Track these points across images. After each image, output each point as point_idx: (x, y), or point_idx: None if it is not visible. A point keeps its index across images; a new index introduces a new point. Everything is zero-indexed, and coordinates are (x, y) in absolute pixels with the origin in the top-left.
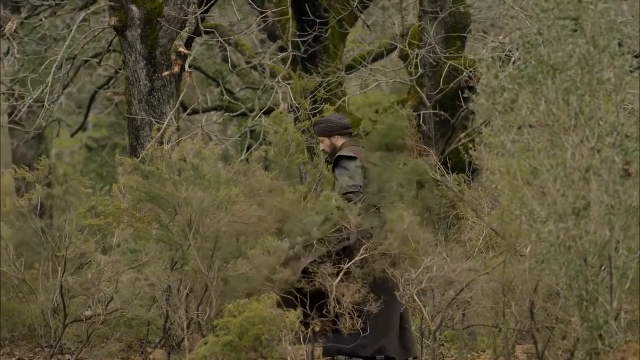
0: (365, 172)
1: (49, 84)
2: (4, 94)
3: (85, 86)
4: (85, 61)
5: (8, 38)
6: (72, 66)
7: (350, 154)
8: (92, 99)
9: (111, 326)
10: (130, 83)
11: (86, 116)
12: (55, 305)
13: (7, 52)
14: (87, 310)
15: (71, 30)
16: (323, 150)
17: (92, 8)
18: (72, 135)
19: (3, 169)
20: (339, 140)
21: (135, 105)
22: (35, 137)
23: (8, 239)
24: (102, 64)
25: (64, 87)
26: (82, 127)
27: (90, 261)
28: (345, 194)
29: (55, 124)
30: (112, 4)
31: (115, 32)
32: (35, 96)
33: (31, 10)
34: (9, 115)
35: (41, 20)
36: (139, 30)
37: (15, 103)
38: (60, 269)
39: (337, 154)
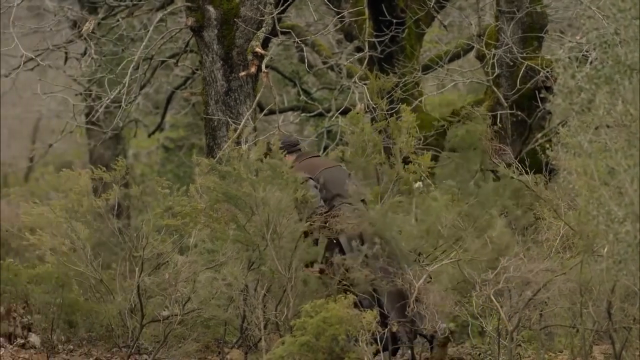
0: (326, 184)
1: (126, 85)
2: (81, 94)
3: (163, 87)
4: (163, 62)
5: (85, 39)
6: (149, 67)
7: (304, 175)
8: (169, 100)
9: (188, 326)
10: (207, 83)
11: (163, 116)
12: (133, 305)
13: (85, 53)
14: (164, 310)
15: (148, 30)
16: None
17: (169, 8)
18: (149, 136)
19: (80, 169)
20: (290, 158)
21: (212, 105)
22: (113, 138)
23: (86, 240)
24: (179, 64)
25: (141, 88)
26: (160, 128)
27: (167, 261)
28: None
29: (132, 124)
30: (189, 4)
31: (192, 33)
32: (112, 97)
33: (108, 10)
34: (87, 115)
35: (118, 20)
36: (216, 31)
37: (92, 104)
38: (137, 269)
39: None
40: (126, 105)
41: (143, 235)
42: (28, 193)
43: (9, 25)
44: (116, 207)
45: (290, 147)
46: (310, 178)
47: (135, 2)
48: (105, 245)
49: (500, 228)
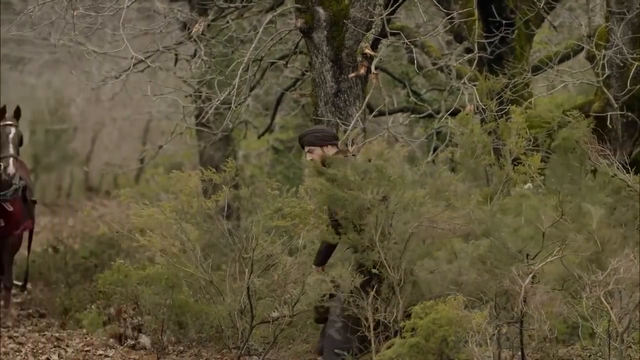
0: None
1: (236, 86)
2: (191, 95)
3: (272, 88)
4: (272, 63)
5: (195, 40)
6: (258, 68)
7: None
8: (278, 101)
9: (297, 327)
10: (317, 85)
11: (273, 118)
12: (243, 306)
13: (195, 55)
14: (274, 311)
15: (258, 32)
16: (311, 160)
17: (278, 10)
18: (259, 137)
19: (190, 170)
20: (331, 151)
21: (322, 107)
22: (223, 139)
23: (195, 241)
24: (288, 65)
25: (251, 89)
26: (269, 129)
27: (276, 263)
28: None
29: (242, 125)
30: (299, 6)
31: (301, 34)
32: (222, 98)
33: (218, 12)
34: (196, 117)
35: (228, 22)
36: (325, 32)
37: (202, 105)
38: (247, 270)
39: None
40: (236, 107)
41: (252, 236)
42: (138, 194)
43: (119, 27)
44: (226, 209)
45: (332, 139)
46: None
47: (245, 4)
48: (215, 246)
49: (600, 221)
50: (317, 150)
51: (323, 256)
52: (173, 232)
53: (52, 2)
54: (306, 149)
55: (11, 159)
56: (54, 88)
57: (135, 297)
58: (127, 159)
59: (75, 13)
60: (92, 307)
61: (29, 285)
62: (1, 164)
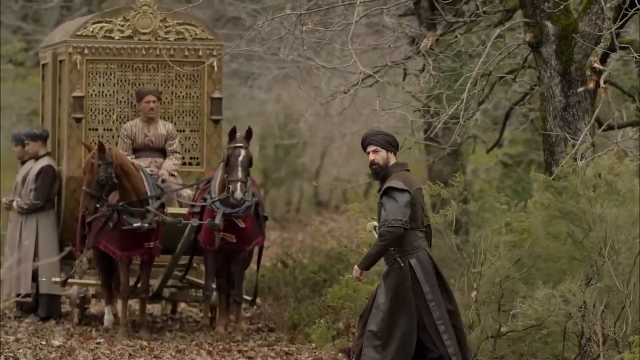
0: (415, 204)
1: (464, 101)
2: (419, 110)
3: (501, 102)
4: (500, 77)
5: (424, 55)
6: (487, 82)
7: (402, 186)
8: (507, 115)
9: (526, 343)
10: (545, 99)
11: (502, 133)
12: (471, 320)
13: (423, 69)
14: (502, 326)
15: (486, 46)
16: (373, 161)
17: (507, 24)
18: (487, 152)
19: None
20: (392, 159)
21: (550, 121)
22: (451, 154)
23: None
24: (517, 80)
25: (479, 104)
26: (498, 144)
27: (503, 277)
28: (388, 227)
29: (470, 140)
30: (528, 20)
31: (530, 48)
32: (450, 113)
33: (447, 27)
34: (425, 132)
35: (457, 36)
36: (554, 47)
37: (430, 120)
38: (475, 284)
39: (387, 184)
40: (464, 122)
41: (481, 251)
42: (367, 209)
43: (348, 42)
44: (454, 223)
45: (396, 147)
46: (408, 192)
47: (473, 19)
48: (443, 261)
49: None
50: (382, 153)
51: (371, 262)
52: None
53: (281, 17)
54: (372, 148)
55: (239, 184)
56: (283, 103)
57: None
58: (355, 174)
59: (304, 28)
60: (321, 321)
61: (258, 300)
62: (230, 186)
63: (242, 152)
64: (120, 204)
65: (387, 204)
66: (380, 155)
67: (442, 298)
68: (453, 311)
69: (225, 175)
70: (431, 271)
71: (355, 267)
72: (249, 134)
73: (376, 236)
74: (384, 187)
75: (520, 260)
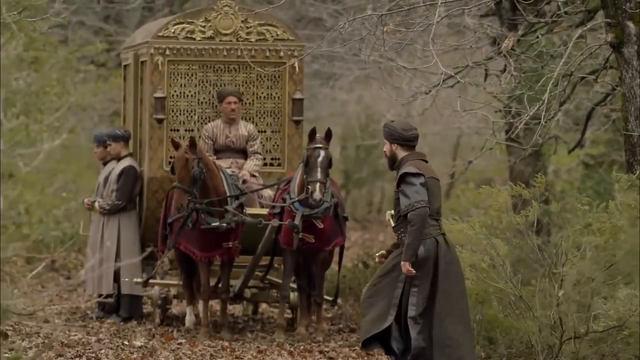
0: (429, 190)
1: (545, 101)
2: (500, 111)
3: (582, 103)
4: (582, 78)
5: (505, 55)
6: (568, 83)
7: (415, 170)
8: (589, 116)
9: (608, 343)
10: (627, 99)
11: (583, 133)
12: (553, 322)
13: (504, 70)
14: (581, 327)
15: (568, 47)
16: (384, 152)
17: (589, 25)
18: (569, 152)
19: (500, 186)
20: (398, 151)
21: (632, 121)
22: (533, 155)
23: (505, 256)
24: (598, 80)
25: (561, 104)
26: (580, 144)
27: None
28: (413, 210)
29: (552, 141)
30: (609, 20)
31: (611, 49)
32: (531, 113)
33: (528, 27)
34: (506, 132)
35: (538, 37)
36: (636, 47)
37: (512, 120)
38: (556, 286)
39: (402, 171)
40: (545, 122)
41: (562, 252)
42: (448, 210)
43: (429, 43)
44: (535, 224)
45: (403, 140)
46: (422, 175)
47: (555, 19)
48: (525, 261)
49: None
50: (387, 145)
51: (413, 250)
52: (482, 247)
53: (362, 18)
54: (384, 140)
55: (318, 184)
56: (365, 104)
57: None
58: (437, 174)
59: (385, 29)
60: None
61: (339, 300)
62: (309, 187)
63: (322, 152)
64: (202, 202)
65: (406, 190)
66: (386, 147)
67: (439, 288)
68: (452, 304)
69: (305, 176)
70: (432, 262)
71: (402, 262)
72: (328, 134)
73: (393, 224)
74: (399, 174)
75: (603, 261)
